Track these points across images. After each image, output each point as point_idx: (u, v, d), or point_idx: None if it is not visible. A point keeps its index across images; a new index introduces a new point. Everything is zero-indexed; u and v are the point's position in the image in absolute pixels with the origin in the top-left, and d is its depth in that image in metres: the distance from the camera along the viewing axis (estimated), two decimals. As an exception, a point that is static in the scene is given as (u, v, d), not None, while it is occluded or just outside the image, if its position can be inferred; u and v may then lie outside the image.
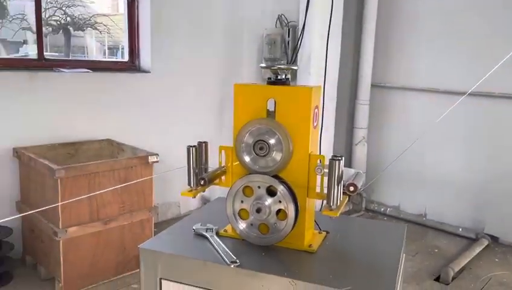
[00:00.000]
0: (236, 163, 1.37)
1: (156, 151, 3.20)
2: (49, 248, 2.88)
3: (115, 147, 3.51)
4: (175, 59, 4.00)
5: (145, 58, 3.88)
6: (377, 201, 4.76)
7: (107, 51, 9.71)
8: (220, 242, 1.33)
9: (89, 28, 8.27)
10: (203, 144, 1.40)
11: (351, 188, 1.18)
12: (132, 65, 3.91)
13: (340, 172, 1.18)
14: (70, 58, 4.10)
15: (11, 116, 3.11)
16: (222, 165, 1.40)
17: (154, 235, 3.28)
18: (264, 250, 1.32)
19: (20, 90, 3.14)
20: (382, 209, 4.69)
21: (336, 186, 1.18)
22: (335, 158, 1.18)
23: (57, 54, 5.73)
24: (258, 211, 1.30)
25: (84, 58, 6.07)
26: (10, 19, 7.37)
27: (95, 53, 9.36)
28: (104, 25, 8.32)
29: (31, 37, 7.66)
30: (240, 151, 1.33)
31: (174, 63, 3.99)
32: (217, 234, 1.41)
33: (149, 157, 3.15)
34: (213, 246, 1.33)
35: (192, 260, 1.27)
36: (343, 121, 4.73)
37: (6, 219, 2.65)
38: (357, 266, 1.29)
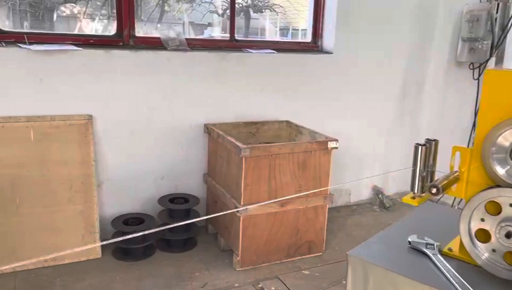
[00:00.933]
0: (474, 167, 1.10)
1: (332, 135, 3.07)
2: (230, 221, 3.01)
3: (293, 129, 3.48)
4: (358, 40, 3.74)
5: (329, 39, 3.73)
6: None
7: (278, 32, 9.93)
8: (449, 267, 1.09)
9: (267, 10, 8.55)
10: (433, 143, 1.16)
11: None
12: (314, 46, 3.80)
13: None
14: (257, 39, 4.21)
15: (204, 94, 3.31)
16: (455, 171, 1.15)
17: (328, 222, 3.20)
18: (509, 285, 1.04)
19: (213, 69, 3.32)
20: None
21: None
22: None
23: (236, 35, 6.04)
24: (508, 236, 1.01)
25: (268, 39, 6.25)
26: (199, 3, 8.05)
27: (268, 34, 9.65)
28: (281, 6, 8.48)
29: (216, 19, 8.27)
30: (487, 156, 1.05)
31: (357, 44, 3.75)
32: (440, 252, 1.17)
33: (329, 142, 3.02)
34: (439, 269, 1.10)
35: (415, 283, 1.06)
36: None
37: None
38: None
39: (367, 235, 3.51)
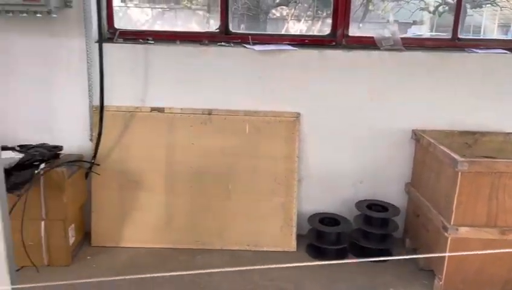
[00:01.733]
0: None
1: None
2: (434, 240, 2.72)
3: (523, 143, 2.94)
4: None
5: None
6: None
7: (496, 29, 8.64)
8: None
9: (488, 5, 7.52)
10: None
11: None
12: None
13: None
14: (485, 38, 3.71)
15: (415, 97, 3.06)
16: None
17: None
18: None
19: (427, 70, 3.04)
20: None
21: None
22: None
23: (445, 34, 5.49)
24: None
25: (498, 38, 5.53)
26: (408, 1, 7.61)
27: (483, 32, 8.49)
28: (507, 1, 7.40)
29: (426, 16, 7.65)
30: None
31: None
32: None
33: None
34: None
35: None
36: None
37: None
38: None
39: None
